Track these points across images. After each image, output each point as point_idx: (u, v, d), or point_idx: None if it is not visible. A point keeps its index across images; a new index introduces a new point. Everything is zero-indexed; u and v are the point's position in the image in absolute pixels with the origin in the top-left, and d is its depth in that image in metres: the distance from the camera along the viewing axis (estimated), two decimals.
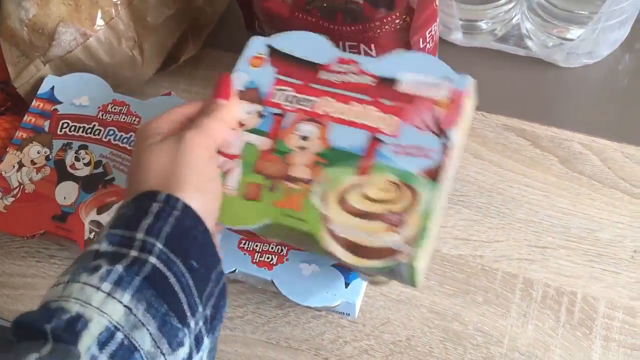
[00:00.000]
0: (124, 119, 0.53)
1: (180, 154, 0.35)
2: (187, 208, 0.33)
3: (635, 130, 0.55)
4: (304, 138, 0.39)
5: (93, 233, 0.49)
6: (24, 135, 0.53)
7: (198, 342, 0.31)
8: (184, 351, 0.30)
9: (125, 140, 0.52)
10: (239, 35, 0.64)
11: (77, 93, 0.54)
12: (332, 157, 0.38)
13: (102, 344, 0.28)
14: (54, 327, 0.27)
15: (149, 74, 0.61)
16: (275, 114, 0.40)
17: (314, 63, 0.41)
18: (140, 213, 0.32)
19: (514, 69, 0.60)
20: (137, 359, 0.28)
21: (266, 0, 0.45)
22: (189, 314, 0.31)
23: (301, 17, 0.45)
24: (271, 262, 0.46)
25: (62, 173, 0.51)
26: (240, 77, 0.41)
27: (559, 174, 0.54)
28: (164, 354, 0.29)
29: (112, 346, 0.28)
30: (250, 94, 0.41)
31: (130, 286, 0.29)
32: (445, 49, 0.61)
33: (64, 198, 0.50)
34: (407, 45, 0.47)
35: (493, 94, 0.59)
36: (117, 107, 0.53)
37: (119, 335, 0.28)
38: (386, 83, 0.40)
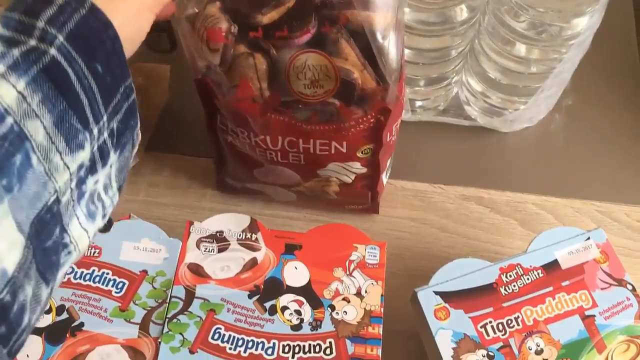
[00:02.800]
0: None
1: None
2: (95, 9, 0.30)
3: (578, 185, 0.59)
4: (539, 352, 0.43)
5: None
6: None
7: (103, 154, 0.30)
8: (84, 155, 0.29)
9: (87, 277, 0.47)
10: (180, 135, 0.61)
11: None
12: (571, 352, 0.43)
13: None
14: None
15: None
16: (500, 349, 0.44)
17: (489, 284, 0.45)
18: (42, 1, 0.29)
19: (459, 139, 0.62)
20: (27, 148, 0.26)
21: (236, 101, 0.43)
22: (91, 119, 0.29)
23: (273, 118, 0.44)
24: None
25: None
26: (445, 335, 0.44)
27: (522, 237, 0.57)
28: (59, 151, 0.28)
29: (1, 129, 0.26)
30: (467, 345, 0.44)
31: (26, 74, 0.27)
32: None
33: (27, 356, 0.44)
34: (378, 141, 0.47)
35: (445, 165, 0.61)
36: None
37: (9, 120, 0.26)
38: (551, 268, 0.46)
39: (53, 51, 0.28)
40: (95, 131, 0.30)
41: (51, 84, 0.27)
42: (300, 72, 0.41)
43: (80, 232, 0.30)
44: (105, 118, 0.30)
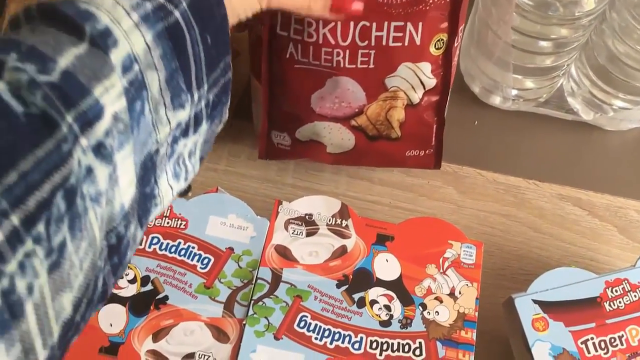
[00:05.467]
0: (168, 223, 0.46)
1: None
2: None
3: None
4: None
5: None
6: None
7: (197, 120, 0.32)
8: (183, 115, 0.31)
9: (173, 249, 0.45)
10: None
11: None
12: None
13: (124, 69, 0.27)
14: (90, 29, 0.26)
15: None
16: None
17: (592, 298, 0.43)
18: None
19: (558, 133, 0.58)
20: (144, 96, 0.28)
21: None
22: (194, 83, 0.31)
23: None
24: None
25: None
26: (542, 348, 0.42)
27: (621, 245, 0.53)
28: (165, 106, 0.30)
29: (130, 75, 0.27)
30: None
31: (153, 28, 0.29)
32: (486, 112, 0.59)
33: (111, 325, 0.43)
34: (453, 29, 0.44)
35: (542, 161, 0.57)
36: None
37: (136, 67, 0.28)
38: None
39: (177, 14, 0.29)
40: (196, 97, 0.31)
41: (170, 42, 0.29)
42: None
43: (167, 188, 0.32)
44: (205, 87, 0.32)
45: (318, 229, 0.46)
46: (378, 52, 0.44)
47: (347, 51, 0.44)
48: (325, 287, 0.44)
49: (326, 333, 0.43)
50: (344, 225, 0.46)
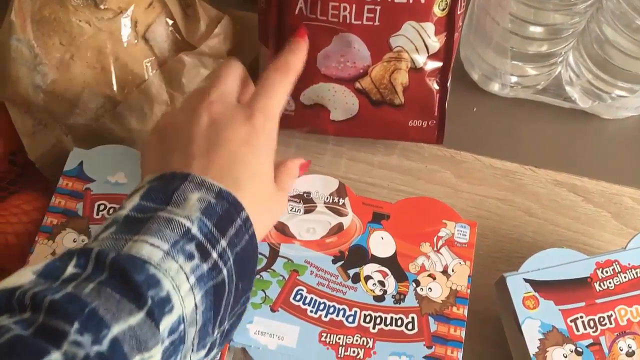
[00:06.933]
0: None
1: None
2: (253, 237, 0.35)
3: None
4: (630, 354, 0.42)
5: None
6: (55, 221, 0.46)
7: (211, 349, 0.34)
8: (203, 353, 0.32)
9: None
10: None
11: (111, 169, 0.48)
12: None
13: (170, 331, 0.29)
14: (152, 299, 0.28)
15: None
16: (589, 345, 0.42)
17: (583, 278, 0.44)
18: (227, 219, 0.33)
19: (556, 121, 0.59)
20: (179, 350, 0.30)
21: None
22: (218, 324, 0.33)
23: None
24: (358, 357, 0.43)
25: None
26: (532, 325, 0.42)
27: (614, 231, 0.54)
28: (192, 351, 0.31)
29: (174, 335, 0.29)
30: (555, 338, 0.43)
31: (204, 287, 0.31)
32: (485, 99, 0.60)
33: None
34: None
35: (538, 147, 0.58)
36: None
37: (181, 327, 0.30)
38: None
39: (225, 272, 0.32)
40: (217, 333, 0.33)
41: (213, 298, 0.31)
42: None
43: None
44: (226, 322, 0.33)
45: (315, 206, 0.47)
46: (383, 8, 0.45)
47: (354, 6, 0.45)
48: (321, 263, 0.45)
49: (321, 306, 0.44)
50: (340, 203, 0.48)
